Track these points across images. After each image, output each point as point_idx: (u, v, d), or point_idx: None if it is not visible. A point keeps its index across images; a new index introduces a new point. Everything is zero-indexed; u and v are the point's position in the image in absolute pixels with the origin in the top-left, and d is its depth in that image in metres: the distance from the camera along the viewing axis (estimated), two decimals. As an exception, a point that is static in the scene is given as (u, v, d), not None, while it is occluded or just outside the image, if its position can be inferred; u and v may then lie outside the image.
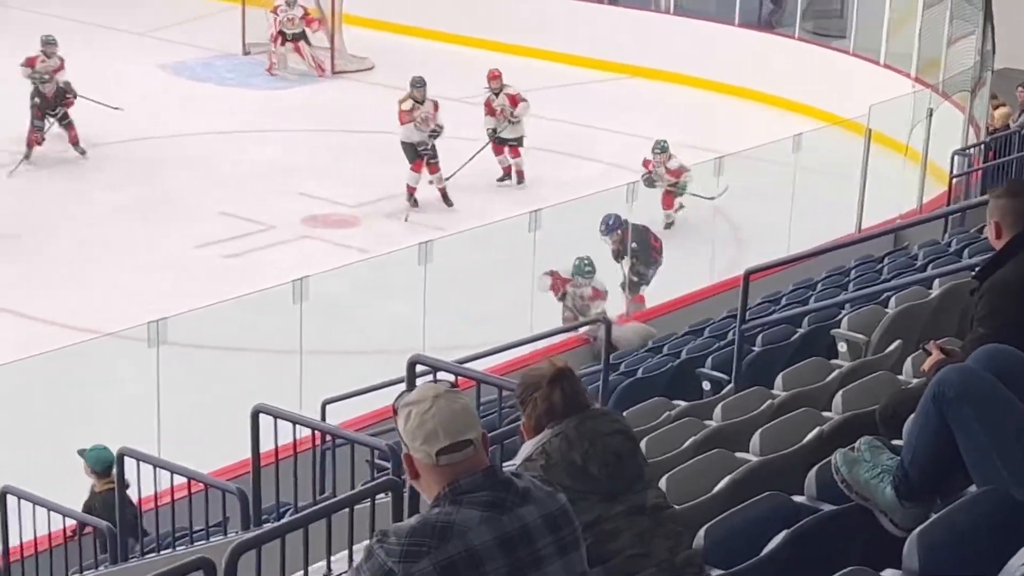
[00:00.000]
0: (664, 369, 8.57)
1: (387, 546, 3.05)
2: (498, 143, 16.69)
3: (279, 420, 6.78)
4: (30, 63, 17.06)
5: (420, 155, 15.81)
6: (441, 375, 6.38)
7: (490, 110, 16.67)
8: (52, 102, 17.01)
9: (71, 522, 7.46)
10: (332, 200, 15.82)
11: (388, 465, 7.53)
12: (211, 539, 6.87)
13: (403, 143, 15.97)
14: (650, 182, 14.88)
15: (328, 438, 7.15)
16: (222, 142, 17.61)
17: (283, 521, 4.96)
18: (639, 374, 8.62)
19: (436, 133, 15.88)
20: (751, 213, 15.10)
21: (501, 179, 16.75)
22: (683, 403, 7.00)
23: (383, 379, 10.06)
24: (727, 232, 14.57)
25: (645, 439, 5.75)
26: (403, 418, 3.19)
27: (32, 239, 14.66)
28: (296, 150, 17.45)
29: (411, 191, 15.76)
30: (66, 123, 17.07)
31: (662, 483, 4.91)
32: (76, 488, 8.09)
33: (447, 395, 3.20)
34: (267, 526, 5.76)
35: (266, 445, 7.10)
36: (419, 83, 16.08)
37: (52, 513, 7.37)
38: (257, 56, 21.32)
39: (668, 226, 14.73)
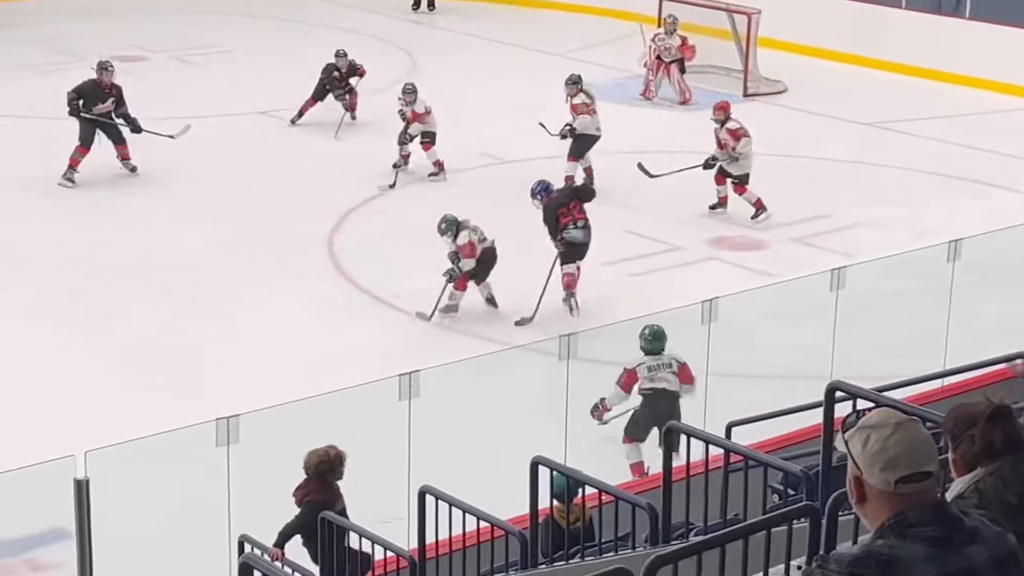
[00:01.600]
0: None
1: (828, 573, 3.01)
2: (722, 174, 16.15)
3: (691, 438, 6.79)
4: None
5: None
6: (861, 403, 6.25)
7: (717, 140, 16.26)
8: (345, 76, 19.10)
9: (484, 525, 7.68)
10: (739, 223, 15.78)
11: (792, 492, 7.45)
12: (619, 552, 6.94)
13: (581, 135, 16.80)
14: None
15: (737, 459, 7.10)
16: (628, 161, 17.80)
17: (704, 537, 4.95)
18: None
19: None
20: None
21: (713, 207, 16.20)
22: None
23: (784, 404, 9.94)
24: None
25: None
26: (860, 441, 3.14)
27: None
28: (702, 172, 17.49)
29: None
30: (348, 91, 19.14)
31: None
32: (489, 492, 8.33)
33: (909, 424, 3.14)
34: (682, 541, 5.77)
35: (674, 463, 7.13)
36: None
37: (466, 515, 7.61)
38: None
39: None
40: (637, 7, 23.57)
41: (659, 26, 21.71)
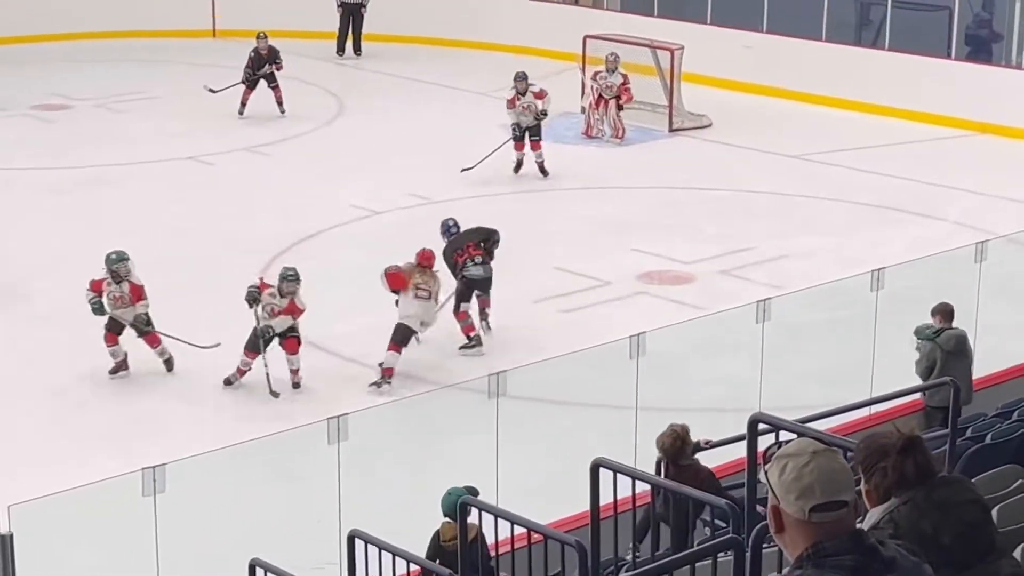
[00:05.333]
0: (1015, 435, 8.23)
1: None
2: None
3: (618, 474, 6.80)
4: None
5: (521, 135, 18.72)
6: (783, 435, 6.29)
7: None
8: (264, 59, 21.07)
9: (415, 567, 7.65)
10: (667, 256, 15.85)
11: (724, 524, 7.47)
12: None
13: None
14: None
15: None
16: (558, 199, 17.89)
17: (632, 573, 4.96)
18: (988, 440, 8.30)
19: (540, 117, 18.64)
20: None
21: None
22: (1036, 471, 6.69)
23: (714, 437, 10.00)
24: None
25: (996, 507, 5.53)
26: (778, 470, 3.16)
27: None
28: (632, 207, 17.59)
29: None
30: (273, 85, 21.16)
31: (1016, 554, 4.72)
32: (419, 534, 8.31)
33: (826, 453, 3.16)
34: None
35: (603, 499, 7.14)
36: (521, 77, 19.00)
37: (397, 558, 7.56)
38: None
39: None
40: (561, 47, 23.73)
41: (583, 63, 21.86)
